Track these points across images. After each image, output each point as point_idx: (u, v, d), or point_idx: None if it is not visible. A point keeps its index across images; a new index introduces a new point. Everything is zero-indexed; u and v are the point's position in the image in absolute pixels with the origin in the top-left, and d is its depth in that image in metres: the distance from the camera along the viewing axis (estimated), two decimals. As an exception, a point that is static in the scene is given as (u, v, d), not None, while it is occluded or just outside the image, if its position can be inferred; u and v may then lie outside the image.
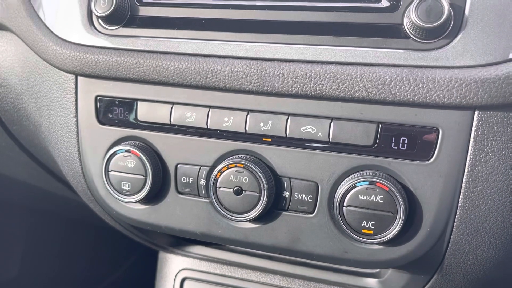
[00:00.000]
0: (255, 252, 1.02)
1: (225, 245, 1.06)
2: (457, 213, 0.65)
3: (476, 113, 0.61)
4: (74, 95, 0.81)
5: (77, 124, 0.82)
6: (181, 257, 1.11)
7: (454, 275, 0.73)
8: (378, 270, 0.93)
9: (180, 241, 1.08)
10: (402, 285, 0.85)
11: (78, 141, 0.82)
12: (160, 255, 1.17)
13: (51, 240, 1.63)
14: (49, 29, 0.80)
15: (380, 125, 0.65)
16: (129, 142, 0.77)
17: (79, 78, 0.80)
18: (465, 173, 0.63)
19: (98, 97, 0.79)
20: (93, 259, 1.81)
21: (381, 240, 0.65)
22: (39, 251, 1.59)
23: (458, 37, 0.60)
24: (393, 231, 0.64)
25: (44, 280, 1.62)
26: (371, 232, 0.65)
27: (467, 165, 0.63)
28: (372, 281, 0.92)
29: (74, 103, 0.81)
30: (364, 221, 0.65)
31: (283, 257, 1.01)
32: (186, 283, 1.10)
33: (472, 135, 0.62)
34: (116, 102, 0.78)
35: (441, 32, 0.61)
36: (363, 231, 0.66)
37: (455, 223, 0.66)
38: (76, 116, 0.81)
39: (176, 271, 1.11)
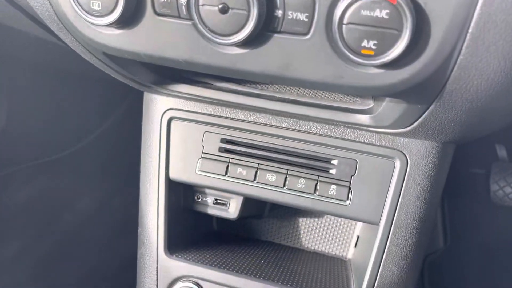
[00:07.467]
0: (243, 90, 0.98)
1: (212, 84, 1.01)
2: (469, 30, 0.58)
3: None
4: None
5: None
6: (167, 97, 1.06)
7: (453, 103, 0.69)
8: (371, 105, 0.89)
9: (165, 80, 1.02)
10: (395, 119, 0.82)
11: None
12: (145, 96, 1.12)
13: (36, 91, 1.57)
14: None
15: None
16: None
17: None
18: None
19: None
20: (82, 110, 1.79)
21: (382, 62, 0.59)
22: (24, 103, 1.54)
23: None
24: (396, 50, 0.58)
25: (32, 131, 1.61)
26: (372, 52, 0.59)
27: None
28: (363, 117, 0.89)
29: None
30: (365, 40, 0.58)
31: (272, 95, 0.97)
32: (173, 123, 1.07)
33: None
34: None
35: None
36: (362, 51, 0.59)
37: (465, 43, 0.59)
38: None
39: (162, 111, 1.07)
